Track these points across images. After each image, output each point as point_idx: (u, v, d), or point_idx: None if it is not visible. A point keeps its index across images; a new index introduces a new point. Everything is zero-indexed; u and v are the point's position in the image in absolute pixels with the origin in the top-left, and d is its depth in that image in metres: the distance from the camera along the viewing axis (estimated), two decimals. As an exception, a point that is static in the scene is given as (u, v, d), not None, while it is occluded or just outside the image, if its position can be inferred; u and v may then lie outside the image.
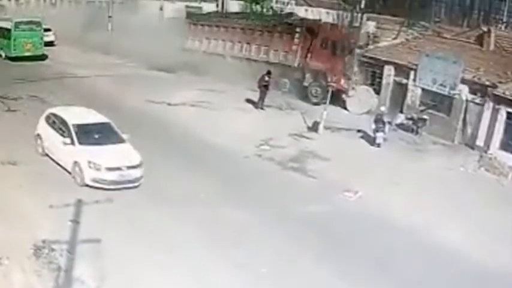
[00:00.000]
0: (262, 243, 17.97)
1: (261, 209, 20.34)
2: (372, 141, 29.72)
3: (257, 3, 56.72)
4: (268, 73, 31.42)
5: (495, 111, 29.22)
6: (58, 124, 22.74)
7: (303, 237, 18.74)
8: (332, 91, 32.50)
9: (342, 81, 36.83)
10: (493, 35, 34.31)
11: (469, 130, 30.97)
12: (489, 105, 29.66)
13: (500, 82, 29.72)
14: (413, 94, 34.24)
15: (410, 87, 34.40)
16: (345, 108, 36.47)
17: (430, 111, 33.10)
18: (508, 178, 26.95)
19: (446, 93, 32.15)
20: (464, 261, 17.97)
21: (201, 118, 30.92)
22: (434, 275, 17.06)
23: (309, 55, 38.28)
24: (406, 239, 19.12)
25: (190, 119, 29.16)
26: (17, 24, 43.72)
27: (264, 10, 56.44)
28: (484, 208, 22.42)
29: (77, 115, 23.27)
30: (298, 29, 39.48)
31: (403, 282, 16.58)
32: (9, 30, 43.57)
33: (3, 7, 69.33)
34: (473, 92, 30.92)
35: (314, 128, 28.43)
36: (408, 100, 34.46)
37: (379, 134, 29.41)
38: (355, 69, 38.11)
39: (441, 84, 32.34)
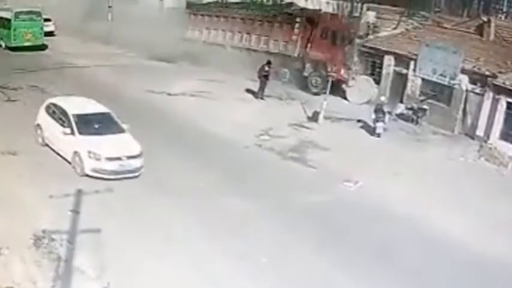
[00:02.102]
0: (262, 233, 17.99)
1: (261, 199, 20.36)
2: (372, 131, 29.71)
3: (257, -8, 56.32)
4: (268, 63, 31.30)
5: (495, 101, 29.20)
6: (58, 114, 22.72)
7: (303, 227, 18.77)
8: (332, 81, 32.44)
9: (342, 71, 36.81)
10: (493, 25, 34.18)
11: (469, 120, 30.95)
12: (489, 95, 29.65)
13: (500, 72, 29.69)
14: (413, 84, 34.18)
15: (410, 77, 34.33)
16: (345, 98, 36.43)
17: (430, 101, 33.05)
18: (508, 168, 26.94)
19: (446, 83, 32.11)
20: (464, 250, 18.00)
21: (201, 108, 30.86)
22: (434, 265, 17.09)
23: (309, 45, 38.19)
24: (406, 229, 19.14)
25: (190, 109, 29.05)
26: (17, 14, 43.54)
27: (264, 0, 56.13)
28: (484, 198, 22.43)
29: (77, 105, 23.26)
30: (298, 19, 39.38)
31: (403, 272, 16.60)
32: (9, 20, 43.39)
33: (3, -3, 69.03)
34: (473, 82, 30.86)
35: (314, 118, 28.35)
36: (408, 90, 34.41)
37: (379, 124, 29.42)
38: (355, 59, 38.03)
39: (441, 74, 32.30)
